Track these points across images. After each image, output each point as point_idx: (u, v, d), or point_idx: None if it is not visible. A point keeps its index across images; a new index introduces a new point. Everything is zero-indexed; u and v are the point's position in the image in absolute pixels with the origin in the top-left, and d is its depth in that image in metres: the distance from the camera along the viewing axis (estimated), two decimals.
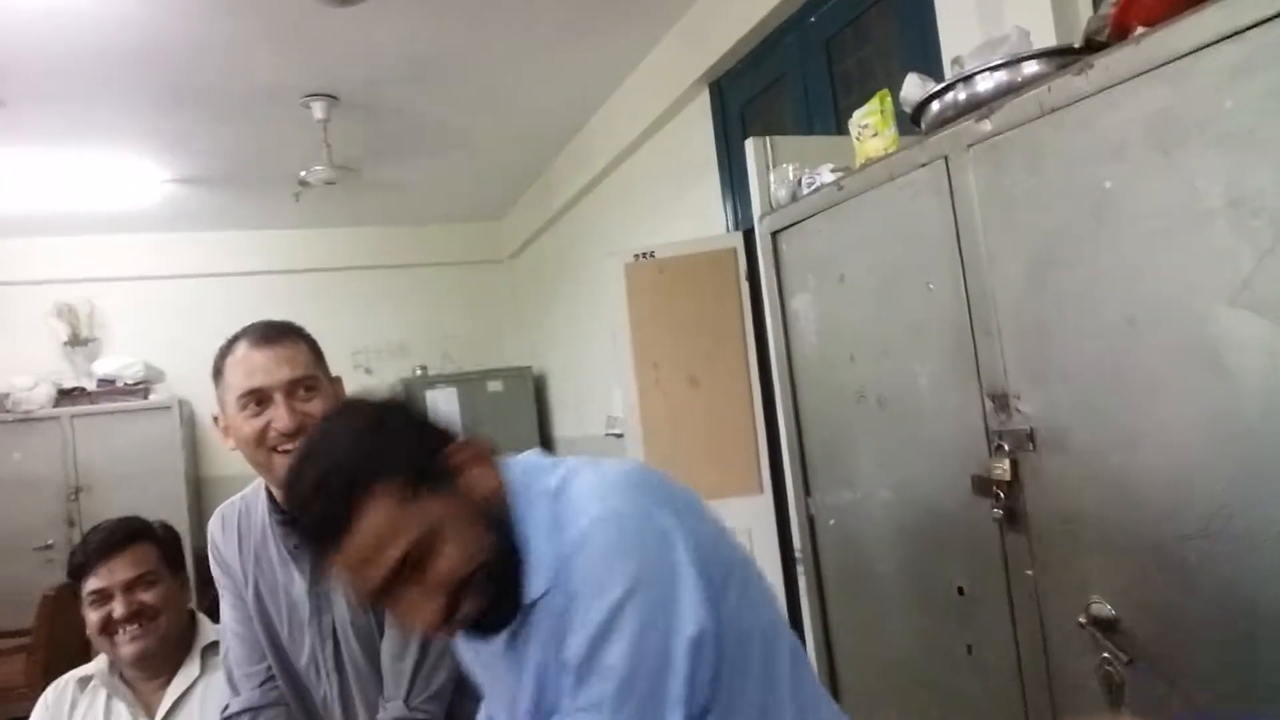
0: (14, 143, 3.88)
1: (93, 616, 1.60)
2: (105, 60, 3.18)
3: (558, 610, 0.92)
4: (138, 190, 4.70)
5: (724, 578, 0.95)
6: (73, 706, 1.66)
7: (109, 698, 1.65)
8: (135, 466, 5.08)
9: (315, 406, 1.37)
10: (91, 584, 1.59)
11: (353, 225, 5.95)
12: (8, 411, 5.02)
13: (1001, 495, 1.37)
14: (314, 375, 1.40)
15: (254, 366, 1.36)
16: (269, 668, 1.50)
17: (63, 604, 4.26)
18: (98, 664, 1.69)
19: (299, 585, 1.45)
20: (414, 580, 0.90)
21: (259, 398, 1.35)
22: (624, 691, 0.87)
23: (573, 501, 0.95)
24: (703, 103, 3.52)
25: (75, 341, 5.43)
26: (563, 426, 5.69)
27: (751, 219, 2.18)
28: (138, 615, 1.60)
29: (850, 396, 1.77)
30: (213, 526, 1.55)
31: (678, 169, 3.73)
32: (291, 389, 1.36)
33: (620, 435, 3.60)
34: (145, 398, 5.30)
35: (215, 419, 1.43)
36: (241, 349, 1.38)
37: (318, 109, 3.73)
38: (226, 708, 1.50)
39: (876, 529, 1.78)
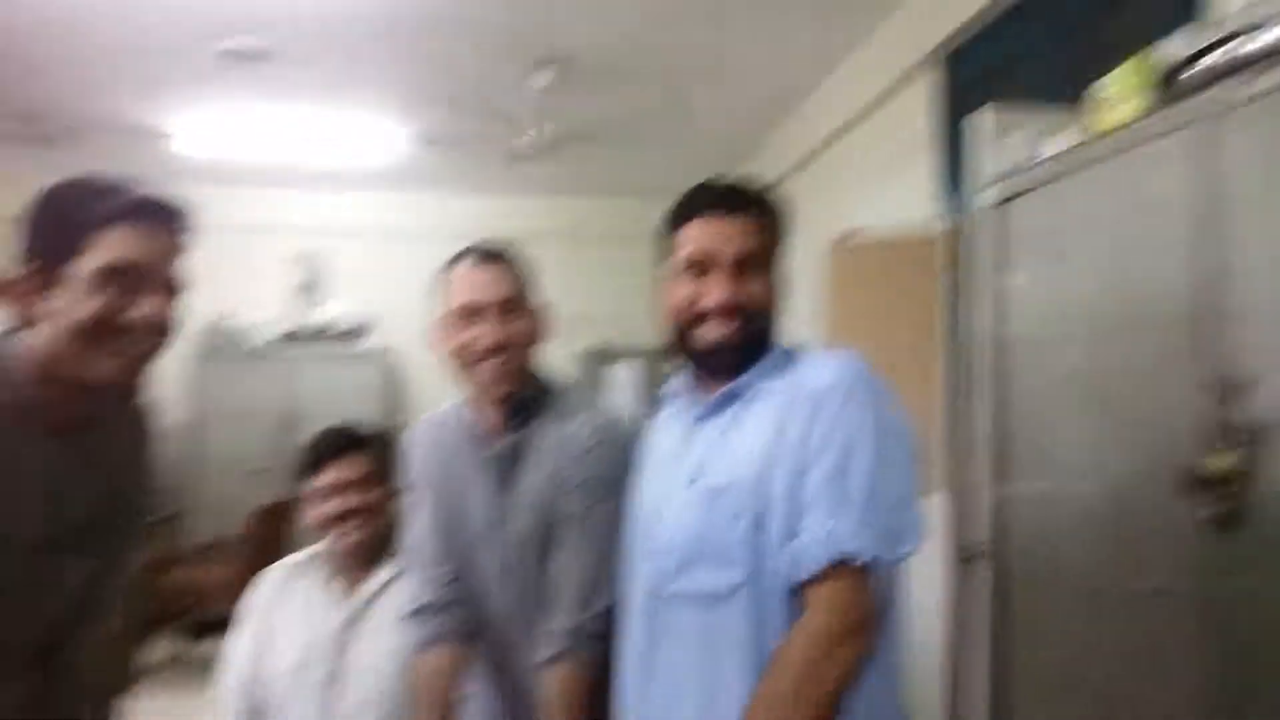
0: (278, 97, 4.28)
1: (317, 509, 1.75)
2: (362, 20, 3.45)
3: (798, 430, 1.11)
4: (375, 148, 5.05)
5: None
6: (283, 587, 1.82)
7: (315, 584, 1.79)
8: (341, 407, 5.47)
9: (519, 327, 1.49)
10: (320, 480, 1.74)
11: (556, 194, 6.17)
12: (241, 346, 5.57)
13: (1220, 492, 1.26)
14: (523, 298, 1.51)
15: (472, 284, 1.48)
16: (451, 571, 1.58)
17: (272, 517, 4.71)
18: (307, 554, 1.84)
19: (484, 496, 1.53)
20: (733, 274, 1.20)
21: (471, 312, 1.45)
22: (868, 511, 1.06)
23: (814, 357, 1.24)
24: (925, 83, 3.41)
25: (305, 288, 5.95)
26: None
27: (962, 204, 2.10)
28: (357, 513, 1.73)
29: (1059, 381, 1.67)
30: (410, 436, 1.67)
31: (889, 153, 3.64)
32: (502, 307, 1.46)
33: None
34: (355, 343, 5.75)
35: (430, 329, 1.55)
36: (465, 265, 1.51)
37: (543, 76, 3.88)
38: (412, 602, 1.59)
39: (1070, 523, 1.67)
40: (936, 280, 3.03)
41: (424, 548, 1.61)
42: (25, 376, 1.04)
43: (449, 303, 1.50)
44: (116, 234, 1.03)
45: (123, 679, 1.24)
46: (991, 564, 1.98)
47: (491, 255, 1.52)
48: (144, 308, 1.03)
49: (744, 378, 1.21)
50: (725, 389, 1.21)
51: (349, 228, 6.08)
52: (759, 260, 1.22)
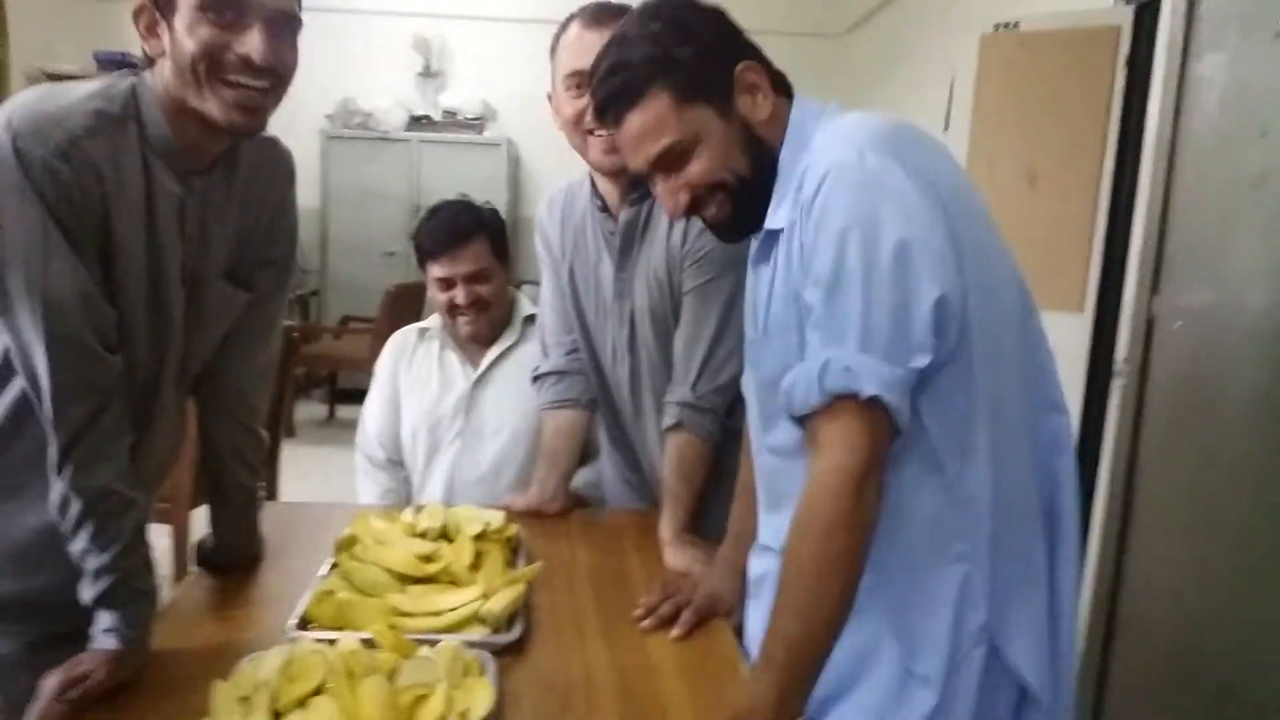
0: None
1: (439, 296, 1.80)
2: None
3: (796, 251, 0.96)
4: None
5: (967, 230, 0.94)
6: (413, 350, 1.91)
7: (441, 348, 1.87)
8: (464, 194, 5.56)
9: None
10: (436, 271, 1.78)
11: None
12: (368, 130, 5.62)
13: None
14: None
15: (582, 48, 1.36)
16: (574, 339, 1.62)
17: (400, 299, 4.91)
18: (434, 321, 1.91)
19: (608, 269, 1.53)
20: (670, 172, 1.03)
21: (581, 78, 1.34)
22: (865, 331, 0.89)
23: (817, 150, 0.98)
24: None
25: (427, 73, 5.89)
26: None
27: None
28: (474, 305, 1.78)
29: (1244, 180, 1.49)
30: (541, 209, 1.67)
31: None
32: None
33: None
34: (480, 133, 5.72)
35: (549, 96, 1.47)
36: (574, 28, 1.40)
37: None
38: (537, 368, 1.67)
39: (1238, 338, 1.54)
40: (1106, 75, 2.73)
41: (551, 318, 1.66)
42: (160, 112, 1.04)
43: (560, 69, 1.42)
44: None
45: (262, 409, 1.34)
46: (1134, 380, 1.88)
47: (604, 15, 1.38)
48: (247, 44, 1.00)
49: (770, 220, 1.04)
50: (761, 236, 1.06)
51: (470, 10, 5.89)
52: (676, 148, 1.01)
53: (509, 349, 1.83)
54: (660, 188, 1.05)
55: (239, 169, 1.15)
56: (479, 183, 5.61)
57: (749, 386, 1.15)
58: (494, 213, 1.88)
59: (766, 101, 1.03)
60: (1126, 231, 2.13)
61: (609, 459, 1.72)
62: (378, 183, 5.64)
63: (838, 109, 1.05)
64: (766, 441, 1.09)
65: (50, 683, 0.96)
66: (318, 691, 0.89)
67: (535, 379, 1.67)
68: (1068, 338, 2.86)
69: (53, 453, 1.00)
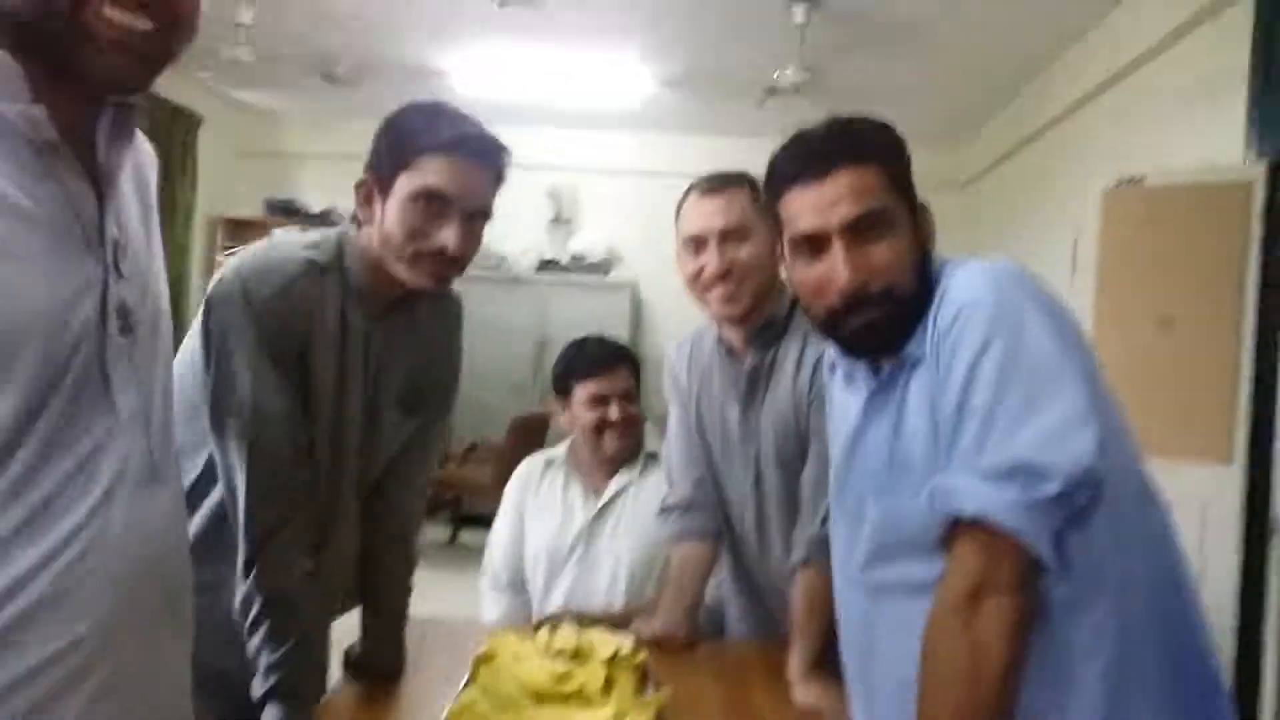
0: (544, 39, 4.50)
1: (588, 416, 1.90)
2: None
3: (923, 381, 0.98)
4: (627, 89, 5.22)
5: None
6: (540, 479, 2.02)
7: (566, 479, 1.97)
8: (590, 332, 5.80)
9: (746, 252, 1.50)
10: (592, 388, 1.89)
11: None
12: (502, 272, 6.00)
13: None
14: (746, 225, 1.50)
15: (697, 214, 1.52)
16: (702, 476, 1.68)
17: (526, 428, 5.09)
18: (558, 451, 2.01)
19: (734, 412, 1.60)
20: (852, 242, 1.00)
21: (698, 242, 1.51)
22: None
23: (952, 290, 0.99)
24: (1234, 12, 3.00)
25: (558, 220, 6.28)
26: None
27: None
28: (625, 420, 1.89)
29: None
30: (670, 350, 1.77)
31: (1193, 85, 3.25)
32: (725, 236, 1.49)
33: None
34: (605, 275, 6.02)
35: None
36: (693, 196, 1.56)
37: (799, 12, 3.82)
38: (665, 499, 1.72)
39: None
40: (1241, 224, 2.71)
41: (678, 454, 1.72)
42: (360, 265, 1.20)
43: (680, 234, 1.56)
44: (436, 162, 1.15)
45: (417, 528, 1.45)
46: None
47: (717, 185, 1.54)
48: (444, 236, 1.16)
49: (904, 351, 1.02)
50: (887, 369, 1.05)
51: (600, 165, 6.30)
52: (878, 219, 1.00)
53: (628, 483, 1.92)
54: (836, 256, 1.00)
55: (417, 313, 1.30)
56: (603, 323, 5.86)
57: (847, 526, 1.11)
58: (632, 350, 2.01)
59: (931, 233, 1.08)
60: (1274, 378, 2.06)
61: (731, 593, 1.74)
62: (508, 321, 5.94)
63: (966, 258, 1.06)
64: (877, 575, 1.05)
65: None
66: None
67: (662, 511, 1.72)
68: (1218, 491, 2.73)
69: (241, 556, 1.11)
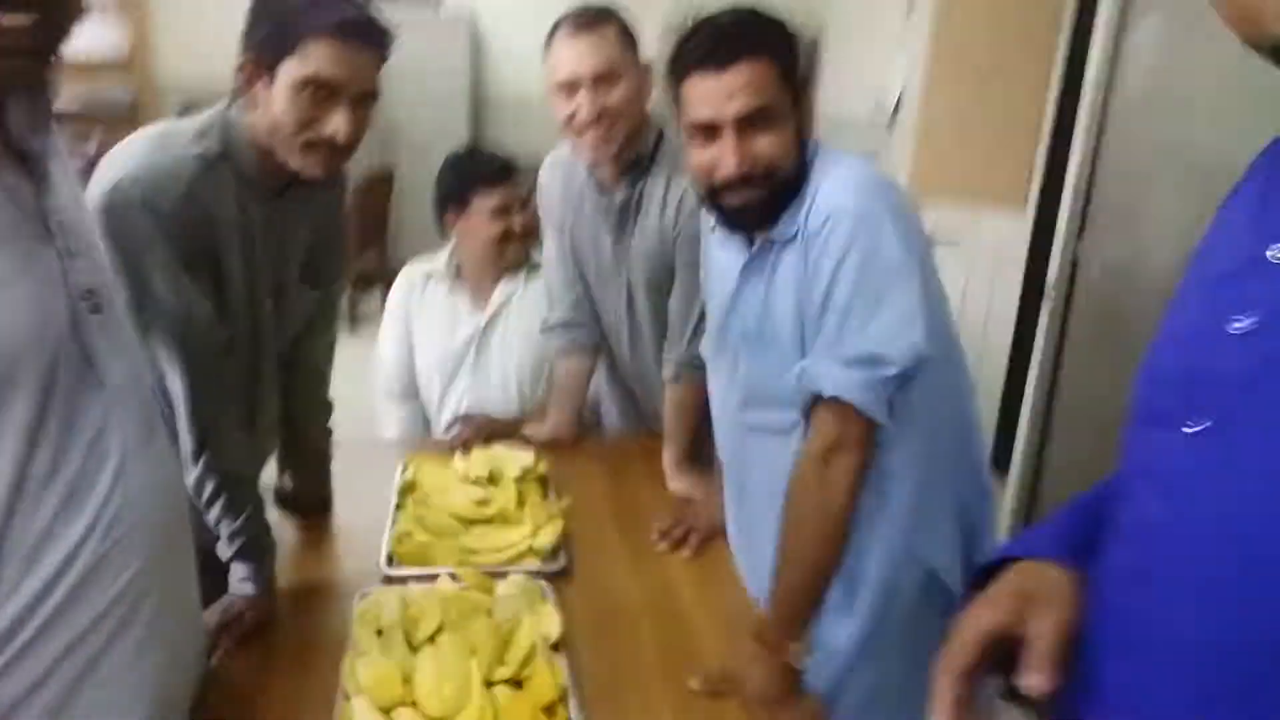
0: None
1: (493, 227, 1.94)
2: None
3: (792, 264, 1.17)
4: None
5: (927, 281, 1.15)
6: (423, 291, 2.09)
7: (449, 291, 2.06)
8: (423, 73, 5.25)
9: (618, 94, 1.55)
10: (496, 199, 1.93)
11: None
12: None
13: None
14: (616, 69, 1.55)
15: (567, 56, 1.54)
16: (579, 295, 1.85)
17: (368, 189, 5.07)
18: (437, 263, 2.08)
19: (606, 241, 1.74)
20: (742, 132, 1.13)
21: (569, 86, 1.54)
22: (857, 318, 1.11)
23: (824, 190, 1.16)
24: None
25: None
26: (826, 103, 5.48)
27: None
28: (528, 230, 1.97)
29: (1160, 147, 1.71)
30: (542, 175, 1.85)
31: None
32: (597, 79, 1.53)
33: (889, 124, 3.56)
34: (435, 11, 5.58)
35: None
36: (561, 35, 1.56)
37: None
38: (546, 319, 1.90)
39: (1143, 289, 1.81)
40: (1054, 31, 2.89)
41: (556, 275, 1.87)
42: (249, 153, 1.22)
43: (550, 76, 1.57)
44: (322, 48, 1.15)
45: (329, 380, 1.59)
46: (1060, 308, 2.17)
47: (585, 23, 1.54)
48: (334, 123, 1.18)
49: (777, 229, 1.20)
50: (759, 242, 1.23)
51: None
52: (767, 113, 1.13)
53: (514, 293, 2.02)
54: (726, 144, 1.13)
55: (306, 190, 1.33)
56: (437, 63, 5.49)
57: (727, 371, 1.35)
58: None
59: (812, 124, 1.21)
60: (1072, 128, 2.32)
61: (608, 394, 1.99)
62: None
63: (840, 153, 1.22)
64: (747, 417, 1.32)
65: (213, 619, 1.23)
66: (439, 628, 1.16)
67: (545, 329, 1.90)
68: (1008, 240, 3.14)
69: (190, 445, 1.23)
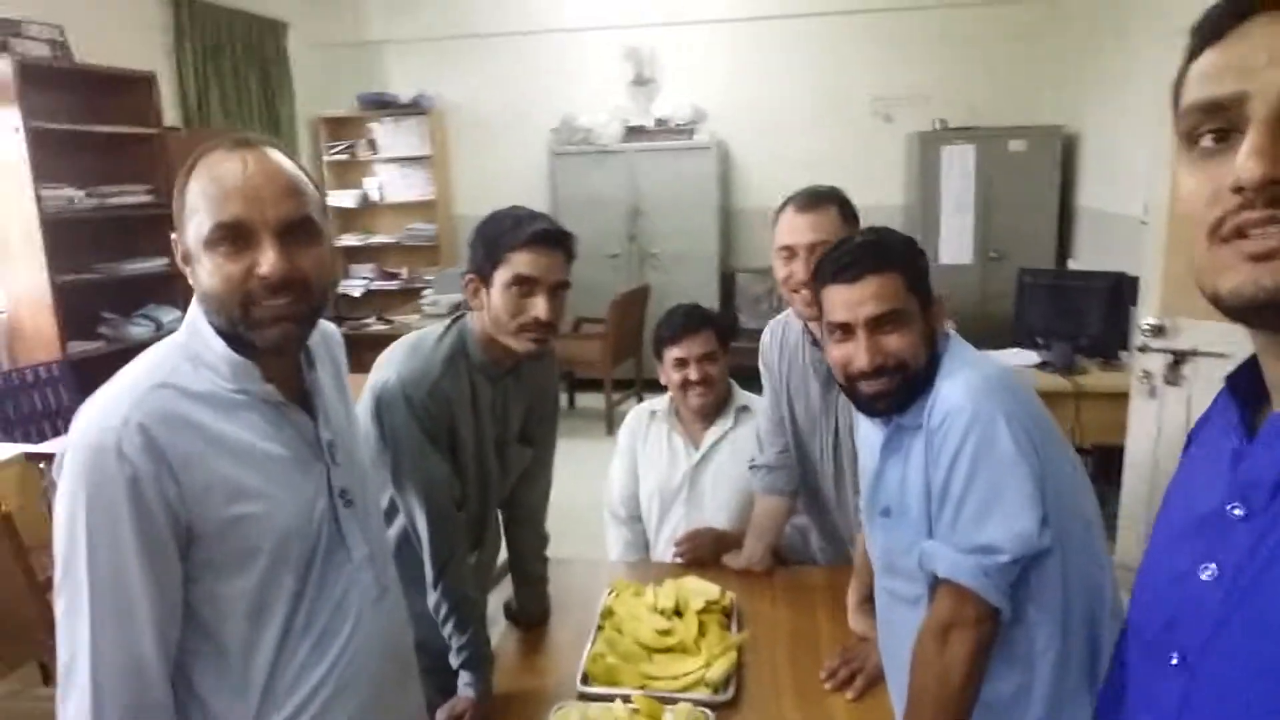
0: None
1: (675, 375, 2.26)
2: None
3: (920, 451, 1.29)
4: None
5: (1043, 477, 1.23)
6: (647, 429, 2.40)
7: (669, 430, 2.35)
8: (679, 196, 6.04)
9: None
10: (675, 352, 2.25)
11: None
12: (589, 144, 6.17)
13: None
14: (831, 242, 1.68)
15: (791, 227, 1.77)
16: (787, 441, 2.04)
17: (627, 304, 5.46)
18: (661, 403, 2.38)
19: (816, 390, 1.94)
20: (873, 331, 1.30)
21: (789, 252, 1.77)
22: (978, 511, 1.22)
23: (944, 391, 1.28)
24: None
25: (639, 81, 6.32)
26: (1088, 196, 5.28)
27: None
28: (703, 381, 2.24)
29: None
30: (764, 335, 2.09)
31: None
32: (812, 249, 1.72)
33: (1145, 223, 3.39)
34: (690, 137, 6.12)
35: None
36: (789, 210, 1.79)
37: None
38: (754, 460, 2.11)
39: None
40: None
41: (768, 423, 2.09)
42: (478, 345, 1.58)
43: (775, 240, 1.81)
44: (521, 255, 1.51)
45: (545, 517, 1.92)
46: None
47: (810, 203, 1.77)
48: (537, 308, 1.52)
49: (908, 417, 1.33)
50: (894, 425, 1.36)
51: (676, 17, 6.21)
52: (895, 317, 1.29)
53: (724, 434, 2.28)
54: (859, 343, 1.30)
55: (524, 369, 1.67)
56: (692, 184, 6.01)
57: (874, 538, 1.46)
58: (721, 314, 2.33)
59: (943, 323, 1.37)
60: None
61: (812, 527, 2.15)
62: (598, 191, 6.16)
63: (967, 350, 1.35)
64: (885, 583, 1.44)
65: (440, 717, 1.53)
66: None
67: (752, 468, 2.10)
68: None
69: (430, 574, 1.56)
